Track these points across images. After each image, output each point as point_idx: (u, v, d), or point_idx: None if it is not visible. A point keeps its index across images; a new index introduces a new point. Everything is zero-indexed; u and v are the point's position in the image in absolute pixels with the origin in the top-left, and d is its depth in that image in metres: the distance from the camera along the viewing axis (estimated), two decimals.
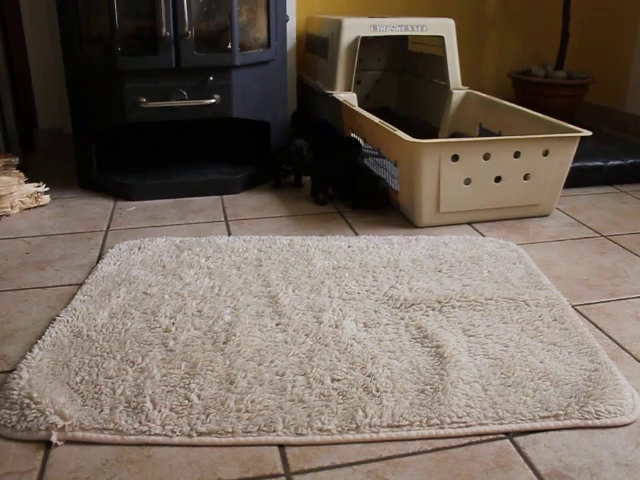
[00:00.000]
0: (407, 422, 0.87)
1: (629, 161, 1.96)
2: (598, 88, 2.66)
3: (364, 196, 1.69)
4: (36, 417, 0.86)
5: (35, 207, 1.71)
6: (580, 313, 1.18)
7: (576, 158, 1.64)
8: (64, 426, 0.85)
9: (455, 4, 2.63)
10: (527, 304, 1.18)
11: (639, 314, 1.18)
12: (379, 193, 1.67)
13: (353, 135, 1.97)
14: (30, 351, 1.02)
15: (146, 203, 1.76)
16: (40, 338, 1.06)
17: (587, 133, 1.57)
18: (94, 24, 1.74)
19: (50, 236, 1.53)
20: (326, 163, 1.81)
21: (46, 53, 2.19)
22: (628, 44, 2.62)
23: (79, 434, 0.84)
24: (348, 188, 1.73)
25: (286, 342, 1.05)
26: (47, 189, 1.75)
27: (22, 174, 1.75)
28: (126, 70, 1.66)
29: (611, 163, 1.94)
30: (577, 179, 1.86)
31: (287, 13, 1.94)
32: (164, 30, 1.62)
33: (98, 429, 0.85)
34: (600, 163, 1.93)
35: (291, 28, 2.29)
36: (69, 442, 0.84)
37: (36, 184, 1.74)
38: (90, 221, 1.63)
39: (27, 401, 0.88)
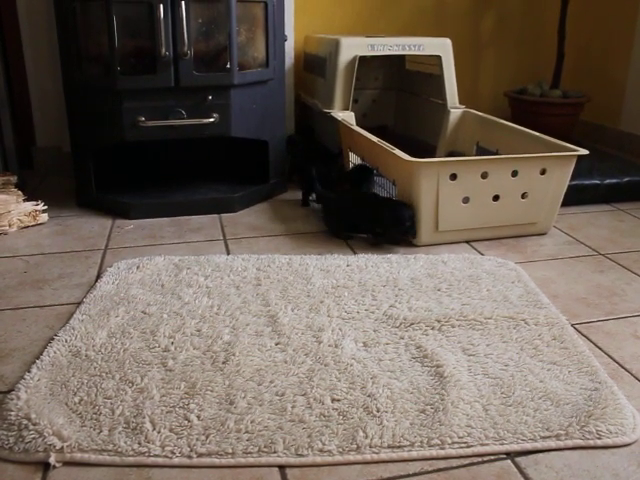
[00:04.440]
0: (408, 442, 0.86)
1: (625, 179, 1.97)
2: (594, 107, 2.68)
3: (388, 227, 1.55)
4: (34, 438, 0.85)
5: (33, 225, 1.71)
6: (579, 332, 1.18)
7: (573, 176, 1.65)
8: (62, 447, 0.84)
9: (452, 24, 2.66)
10: (526, 323, 1.18)
11: (638, 333, 1.18)
12: (405, 223, 1.51)
13: (355, 157, 1.98)
14: (28, 371, 1.01)
15: (144, 222, 1.76)
16: (38, 358, 1.05)
17: (584, 152, 1.58)
18: (93, 43, 1.75)
19: (48, 255, 1.53)
20: (344, 196, 1.69)
21: (45, 71, 2.20)
22: (623, 63, 2.65)
23: (78, 455, 0.84)
24: (368, 221, 1.60)
25: (286, 362, 1.04)
26: (45, 207, 1.75)
27: (20, 192, 1.75)
28: (125, 89, 1.67)
29: (608, 181, 1.95)
30: (574, 197, 1.87)
31: (285, 33, 1.96)
32: (163, 50, 1.63)
33: (97, 450, 0.84)
34: (597, 181, 1.94)
35: (289, 47, 2.31)
36: (67, 463, 0.83)
37: (34, 202, 1.74)
38: (88, 240, 1.62)
39: (25, 422, 0.87)
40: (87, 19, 1.71)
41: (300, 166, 2.02)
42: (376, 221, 1.57)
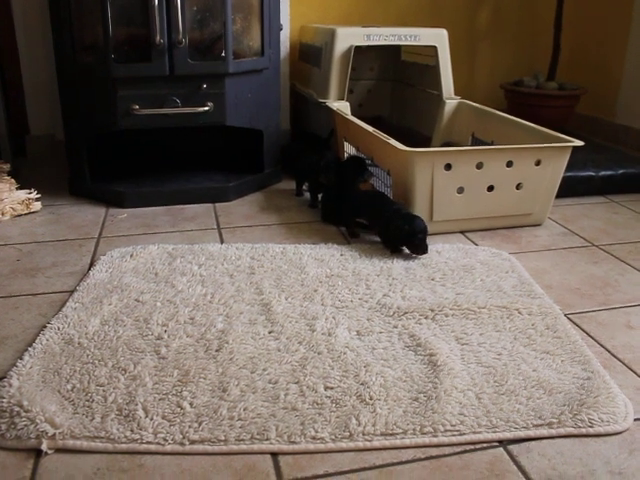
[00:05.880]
0: (401, 430, 0.86)
1: (620, 171, 1.97)
2: (589, 99, 2.67)
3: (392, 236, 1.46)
4: (26, 425, 0.85)
5: (26, 214, 1.70)
6: (572, 322, 1.18)
7: (568, 168, 1.64)
8: (55, 434, 0.84)
9: (448, 14, 2.65)
10: (520, 313, 1.18)
11: (631, 323, 1.19)
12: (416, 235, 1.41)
13: (345, 145, 1.97)
14: (20, 359, 1.01)
15: (138, 210, 1.75)
16: (31, 345, 1.05)
17: (579, 143, 1.58)
18: (88, 31, 1.74)
19: (41, 243, 1.52)
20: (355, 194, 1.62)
21: (39, 59, 2.19)
22: (618, 55, 2.64)
23: (70, 442, 0.83)
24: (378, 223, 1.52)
25: (279, 350, 1.04)
26: (38, 196, 1.74)
27: (13, 180, 1.74)
28: (120, 77, 1.66)
29: (602, 173, 1.95)
30: (569, 189, 1.87)
31: (281, 22, 1.95)
32: (158, 38, 1.62)
33: (89, 437, 0.84)
34: (591, 173, 1.94)
35: (285, 37, 2.30)
36: (60, 450, 0.83)
37: (27, 191, 1.73)
38: (82, 228, 1.62)
39: (17, 409, 0.87)
40: (81, 6, 1.69)
41: (293, 156, 2.01)
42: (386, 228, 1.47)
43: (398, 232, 1.41)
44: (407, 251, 1.45)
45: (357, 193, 1.62)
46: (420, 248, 1.42)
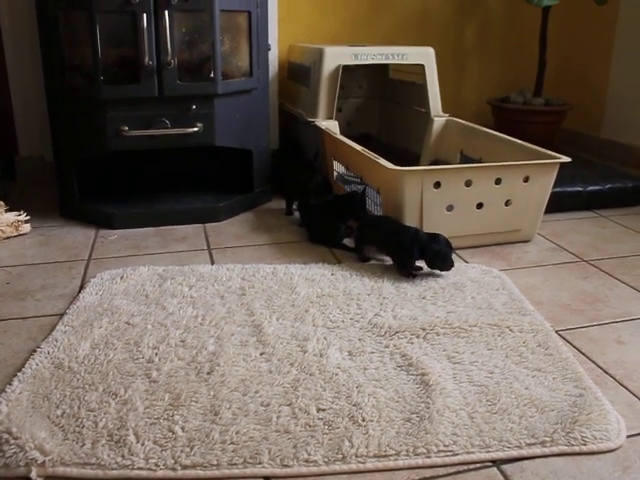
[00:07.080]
0: (394, 451, 0.86)
1: (607, 186, 1.99)
2: (575, 115, 2.70)
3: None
4: (15, 453, 0.84)
5: (15, 236, 1.70)
6: (563, 338, 1.18)
7: (555, 183, 1.66)
8: (44, 462, 0.83)
9: (435, 33, 2.68)
10: (511, 330, 1.18)
11: (621, 338, 1.19)
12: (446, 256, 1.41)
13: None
14: (9, 384, 1.00)
15: (128, 232, 1.74)
16: (20, 370, 1.04)
17: (566, 159, 1.59)
18: (77, 52, 1.74)
19: (31, 265, 1.51)
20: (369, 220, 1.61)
21: (28, 80, 2.19)
22: (603, 71, 2.67)
23: (60, 469, 0.82)
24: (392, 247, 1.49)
25: (271, 372, 1.04)
26: (28, 218, 1.73)
27: (2, 202, 1.73)
28: (109, 99, 1.66)
29: (590, 188, 1.97)
30: (557, 204, 1.88)
31: (269, 42, 1.96)
32: (147, 59, 1.62)
33: (79, 464, 0.83)
34: (579, 188, 1.96)
35: (273, 56, 2.31)
36: (49, 478, 0.82)
37: (17, 213, 1.72)
38: (71, 250, 1.61)
39: (6, 436, 0.86)
40: (70, 28, 1.70)
41: (283, 175, 2.02)
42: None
43: (436, 255, 1.40)
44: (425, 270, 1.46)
45: (366, 219, 1.60)
46: (446, 263, 1.42)
